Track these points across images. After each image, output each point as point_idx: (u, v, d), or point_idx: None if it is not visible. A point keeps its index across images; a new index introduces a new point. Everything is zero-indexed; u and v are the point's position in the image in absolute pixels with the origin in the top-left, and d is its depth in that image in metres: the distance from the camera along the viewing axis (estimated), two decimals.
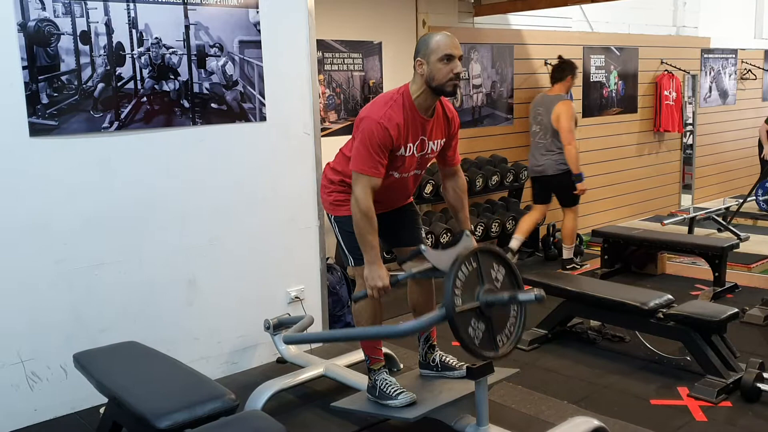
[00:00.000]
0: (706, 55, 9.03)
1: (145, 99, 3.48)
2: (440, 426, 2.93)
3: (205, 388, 2.54)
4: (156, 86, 3.50)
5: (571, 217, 5.87)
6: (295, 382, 3.46)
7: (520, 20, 6.81)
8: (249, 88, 3.82)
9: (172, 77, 3.55)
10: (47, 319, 3.31)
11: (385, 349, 3.26)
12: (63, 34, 3.20)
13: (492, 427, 2.81)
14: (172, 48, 3.53)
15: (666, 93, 8.26)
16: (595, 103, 7.52)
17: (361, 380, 3.26)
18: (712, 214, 7.18)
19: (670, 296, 3.93)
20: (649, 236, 5.70)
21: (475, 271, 2.63)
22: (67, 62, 3.23)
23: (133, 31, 3.40)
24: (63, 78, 3.22)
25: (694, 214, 7.32)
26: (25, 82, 3.12)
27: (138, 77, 3.44)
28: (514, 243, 5.87)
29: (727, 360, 3.61)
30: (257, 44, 3.81)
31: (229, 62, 3.72)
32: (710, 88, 9.22)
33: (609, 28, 7.80)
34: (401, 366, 3.81)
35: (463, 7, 6.34)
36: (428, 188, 5.53)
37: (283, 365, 3.89)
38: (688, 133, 9.22)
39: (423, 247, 2.78)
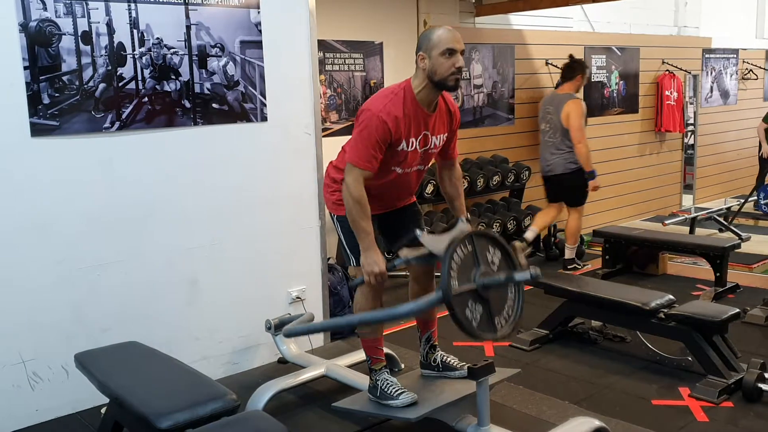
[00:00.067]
0: (707, 55, 9.02)
1: (146, 99, 3.48)
2: (441, 426, 2.92)
3: (207, 389, 2.54)
4: (157, 86, 3.50)
5: (575, 217, 5.87)
6: (297, 382, 3.46)
7: (521, 20, 6.81)
8: (250, 88, 3.82)
9: (174, 77, 3.55)
10: (48, 320, 3.31)
11: (386, 350, 3.26)
12: (64, 34, 3.20)
13: (493, 427, 2.81)
14: (174, 48, 3.53)
15: (667, 93, 8.25)
16: (596, 103, 7.51)
17: (362, 380, 3.26)
18: (714, 215, 7.17)
19: (671, 296, 3.93)
20: (651, 236, 5.70)
21: (471, 255, 2.63)
22: (69, 62, 3.23)
23: (135, 31, 3.40)
24: (64, 78, 3.22)
25: (696, 215, 7.31)
26: (26, 83, 3.12)
27: (139, 77, 3.44)
28: (530, 234, 5.92)
29: (729, 360, 3.61)
30: (258, 44, 3.81)
31: (231, 62, 3.72)
32: (711, 88, 9.21)
33: (610, 28, 7.80)
34: (402, 366, 3.81)
35: (465, 7, 6.34)
36: (429, 188, 5.54)
37: (284, 365, 3.89)
38: (689, 133, 9.22)
39: (419, 231, 2.79)
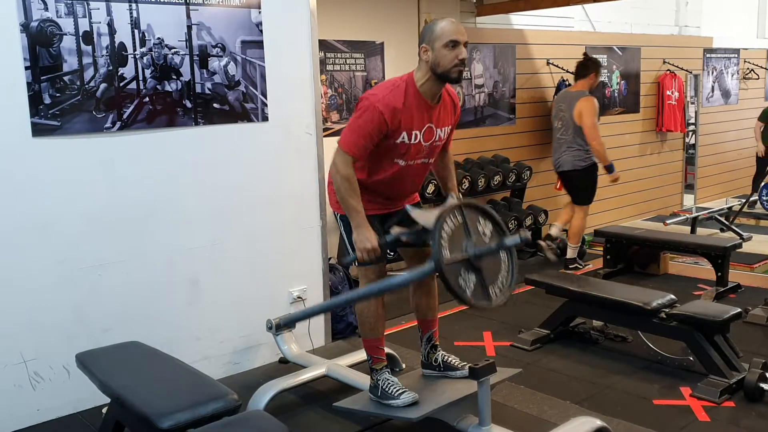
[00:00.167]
0: (708, 55, 9.02)
1: (147, 99, 3.48)
2: (443, 426, 2.92)
3: (208, 388, 2.54)
4: (158, 86, 3.51)
5: (580, 216, 5.87)
6: (298, 382, 3.46)
7: (522, 20, 6.81)
8: (251, 88, 3.82)
9: (175, 77, 3.55)
10: (50, 319, 3.32)
11: (387, 349, 3.26)
12: (65, 34, 3.20)
13: (494, 427, 2.81)
14: (175, 48, 3.53)
15: (668, 93, 8.25)
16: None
17: (363, 380, 3.26)
18: (715, 214, 7.17)
19: (672, 296, 3.93)
20: (652, 236, 5.69)
21: (462, 226, 2.65)
22: (70, 62, 3.23)
23: (136, 31, 3.40)
24: (65, 78, 3.22)
25: (697, 214, 7.31)
26: (27, 83, 3.13)
27: (140, 77, 3.44)
28: (554, 230, 6.01)
29: (730, 360, 3.60)
30: (259, 44, 3.81)
31: (232, 62, 3.72)
32: (713, 87, 9.21)
33: (611, 27, 7.79)
34: (403, 366, 3.81)
35: (465, 6, 6.34)
36: (431, 188, 5.54)
37: (285, 365, 3.89)
38: (690, 133, 9.22)
39: (408, 207, 2.81)
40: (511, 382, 3.55)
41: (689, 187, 9.16)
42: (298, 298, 4.11)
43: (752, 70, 9.86)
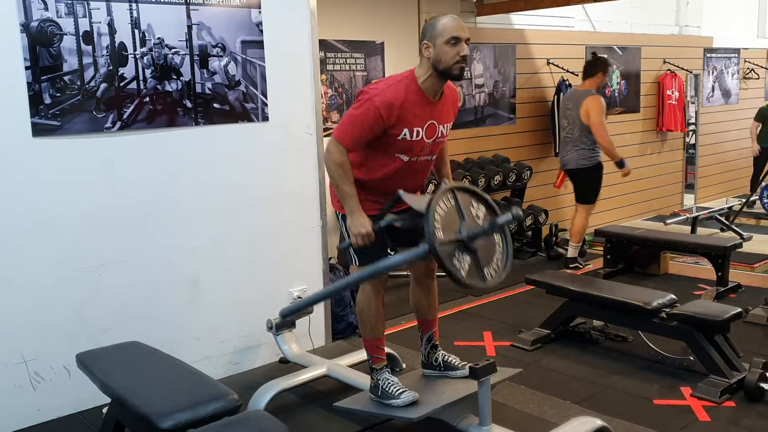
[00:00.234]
0: (708, 55, 9.02)
1: (147, 99, 3.48)
2: (443, 426, 2.92)
3: (208, 388, 2.54)
4: (158, 86, 3.51)
5: (582, 215, 5.87)
6: (298, 382, 3.46)
7: (522, 20, 6.81)
8: (251, 88, 3.82)
9: (175, 77, 3.55)
10: (50, 320, 3.31)
11: (387, 349, 3.26)
12: (66, 34, 3.20)
13: (495, 427, 2.81)
14: (175, 48, 3.53)
15: (669, 92, 8.25)
16: None
17: (363, 380, 3.26)
18: (715, 214, 7.17)
19: (673, 296, 3.92)
20: (652, 236, 5.69)
21: (455, 209, 2.66)
22: (70, 62, 3.23)
23: (136, 31, 3.40)
24: (66, 78, 3.22)
25: (697, 214, 7.32)
26: (27, 83, 3.12)
27: (141, 77, 3.44)
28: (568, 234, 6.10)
29: (731, 360, 3.60)
30: (260, 44, 3.81)
31: (232, 62, 3.72)
32: (713, 87, 9.21)
33: (611, 27, 7.79)
34: (404, 366, 3.81)
35: (466, 6, 6.34)
36: (431, 188, 5.53)
37: (285, 365, 3.89)
38: (690, 133, 9.22)
39: (401, 192, 2.81)
40: (511, 382, 3.55)
41: (689, 187, 9.16)
42: (299, 298, 4.10)
43: (752, 69, 9.86)
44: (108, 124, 3.37)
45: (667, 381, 3.68)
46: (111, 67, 3.35)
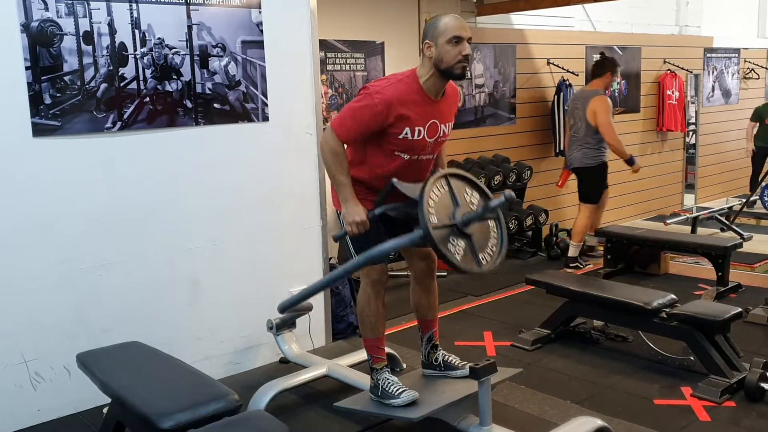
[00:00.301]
0: (709, 55, 9.01)
1: (147, 99, 3.48)
2: (443, 426, 2.92)
3: (209, 389, 2.54)
4: (159, 86, 3.50)
5: (585, 215, 5.87)
6: (298, 382, 3.46)
7: (522, 20, 6.80)
8: (251, 88, 3.82)
9: (175, 77, 3.55)
10: (50, 320, 3.31)
11: (387, 349, 3.26)
12: (66, 34, 3.20)
13: (495, 427, 2.81)
14: (175, 48, 3.53)
15: (669, 92, 8.25)
16: None
17: (363, 380, 3.26)
18: (715, 214, 7.17)
19: (673, 296, 3.92)
20: (652, 236, 5.69)
21: (449, 195, 2.68)
22: (70, 62, 3.23)
23: (136, 31, 3.40)
24: (66, 78, 3.22)
25: (697, 214, 7.31)
26: (28, 83, 3.12)
27: (141, 77, 3.44)
28: (592, 241, 6.12)
29: (731, 360, 3.60)
30: (260, 44, 3.81)
31: (232, 62, 3.72)
32: (713, 87, 9.20)
33: (611, 27, 7.79)
34: (404, 366, 3.81)
35: (466, 6, 6.34)
36: None
37: (285, 365, 3.89)
38: (690, 133, 9.21)
39: (395, 180, 2.82)
40: (511, 382, 3.55)
41: (690, 187, 9.15)
42: None
43: (753, 69, 9.85)
44: (108, 124, 3.37)
45: (667, 381, 3.68)
46: (111, 67, 3.35)
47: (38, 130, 3.18)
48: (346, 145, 2.90)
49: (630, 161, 5.83)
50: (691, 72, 8.66)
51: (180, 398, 2.44)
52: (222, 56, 3.68)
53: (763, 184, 7.85)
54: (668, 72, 8.27)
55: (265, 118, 3.89)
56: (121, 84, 3.39)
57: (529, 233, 6.60)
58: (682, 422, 3.23)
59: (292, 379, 3.45)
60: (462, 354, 3.35)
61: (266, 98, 3.87)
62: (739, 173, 9.62)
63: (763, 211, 7.93)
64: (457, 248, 2.61)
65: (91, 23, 3.26)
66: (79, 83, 3.26)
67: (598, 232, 5.97)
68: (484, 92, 6.51)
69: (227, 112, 3.75)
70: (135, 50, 3.41)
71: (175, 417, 2.31)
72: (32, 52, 3.12)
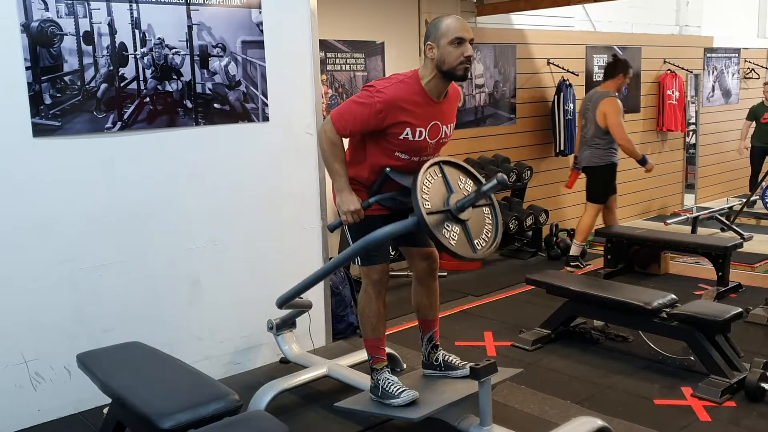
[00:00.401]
0: (709, 55, 9.01)
1: (148, 99, 3.48)
2: (444, 426, 2.92)
3: (209, 389, 2.54)
4: (159, 87, 3.50)
5: (590, 215, 5.87)
6: (299, 382, 3.46)
7: (522, 20, 6.80)
8: (252, 88, 3.82)
9: (175, 77, 3.55)
10: (51, 320, 3.31)
11: (388, 349, 3.25)
12: (66, 34, 3.20)
13: (495, 427, 2.81)
14: (175, 48, 3.53)
15: (669, 92, 8.25)
16: None
17: (364, 380, 3.26)
18: (716, 214, 7.17)
19: (673, 296, 3.92)
20: (652, 236, 5.69)
21: (443, 182, 2.73)
22: (70, 63, 3.23)
23: (136, 31, 3.40)
24: (66, 78, 3.22)
25: (697, 214, 7.32)
26: (28, 83, 3.12)
27: (141, 78, 3.44)
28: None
29: (731, 360, 3.60)
30: (260, 44, 3.81)
31: (232, 62, 3.72)
32: (713, 87, 9.20)
33: (612, 27, 7.79)
34: (404, 366, 3.81)
35: (466, 6, 6.34)
36: None
37: (286, 365, 3.89)
38: (691, 133, 9.21)
39: (388, 168, 2.88)
40: (512, 382, 3.55)
41: (690, 187, 9.15)
42: (299, 298, 4.09)
43: (753, 69, 9.85)
44: (108, 125, 3.37)
45: (667, 381, 3.68)
46: (111, 68, 3.35)
47: (38, 130, 3.18)
48: (346, 142, 2.92)
49: (642, 161, 5.82)
50: (691, 72, 8.66)
51: (180, 398, 2.44)
52: (222, 56, 3.68)
53: (764, 184, 7.85)
54: (668, 72, 8.27)
55: (265, 118, 3.89)
56: (122, 84, 3.39)
57: (530, 233, 6.60)
58: (683, 422, 3.23)
59: (292, 380, 3.45)
60: (462, 354, 3.35)
61: (266, 98, 3.87)
62: (739, 173, 9.61)
63: (764, 211, 7.94)
64: (452, 234, 2.66)
65: (91, 23, 3.26)
66: (79, 83, 3.26)
67: (598, 232, 5.97)
68: (484, 92, 6.51)
69: (227, 112, 3.75)
70: (135, 50, 3.41)
71: (176, 417, 2.31)
72: (32, 52, 3.12)
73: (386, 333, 3.17)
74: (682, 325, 3.70)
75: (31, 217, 3.22)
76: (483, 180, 2.87)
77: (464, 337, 4.39)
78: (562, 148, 6.99)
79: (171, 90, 3.55)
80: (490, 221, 2.85)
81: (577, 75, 7.15)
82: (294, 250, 4.10)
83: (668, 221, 7.08)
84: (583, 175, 6.02)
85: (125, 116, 3.42)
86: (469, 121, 6.38)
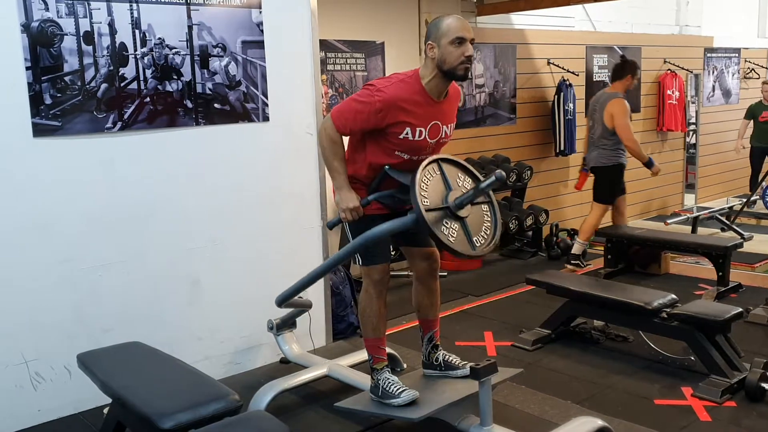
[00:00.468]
0: (709, 55, 9.01)
1: (148, 99, 3.48)
2: (444, 426, 2.92)
3: (209, 389, 2.54)
4: (159, 86, 3.50)
5: (596, 215, 5.87)
6: (299, 382, 3.46)
7: (522, 20, 6.80)
8: (252, 88, 3.82)
9: (175, 77, 3.55)
10: (51, 320, 3.31)
11: (388, 349, 3.25)
12: (66, 34, 3.20)
13: (496, 427, 2.81)
14: (175, 48, 3.53)
15: (669, 92, 8.25)
16: None
17: (364, 380, 3.26)
18: (716, 214, 7.17)
19: (673, 296, 3.92)
20: (653, 236, 5.69)
21: (441, 179, 2.74)
22: (71, 63, 3.23)
23: (136, 31, 3.40)
24: (66, 78, 3.22)
25: (698, 214, 7.32)
26: (28, 83, 3.12)
27: (141, 78, 3.44)
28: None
29: (731, 360, 3.60)
30: (260, 44, 3.80)
31: (232, 62, 3.72)
32: (713, 87, 9.20)
33: (612, 27, 7.79)
34: (404, 366, 3.81)
35: (466, 6, 6.34)
36: None
37: (286, 365, 3.89)
38: (691, 133, 9.21)
39: (387, 166, 2.89)
40: (512, 382, 3.55)
41: (690, 187, 9.15)
42: (299, 297, 4.09)
43: (753, 69, 9.85)
44: (108, 125, 3.37)
45: (667, 381, 3.67)
46: (111, 68, 3.35)
47: (38, 131, 3.18)
48: (346, 140, 2.92)
49: (648, 164, 5.81)
50: (692, 72, 8.65)
51: (180, 398, 2.44)
52: (222, 56, 3.68)
53: (764, 184, 7.85)
54: (668, 72, 8.27)
55: (266, 118, 3.89)
56: (122, 84, 3.39)
57: (530, 233, 6.59)
58: (683, 422, 3.23)
59: (292, 380, 3.45)
60: (462, 354, 3.35)
61: (266, 98, 3.87)
62: (740, 173, 9.61)
63: (764, 210, 7.94)
64: (451, 231, 2.66)
65: (91, 23, 3.26)
66: (79, 83, 3.26)
67: (598, 232, 5.97)
68: (485, 92, 6.51)
69: (227, 112, 3.75)
70: (135, 50, 3.41)
71: (176, 417, 2.31)
72: (32, 53, 3.12)
73: (387, 333, 3.17)
74: (683, 325, 3.70)
75: (31, 217, 3.22)
76: (481, 178, 2.87)
77: (464, 337, 4.39)
78: (562, 148, 6.99)
79: (171, 90, 3.55)
80: (489, 219, 2.86)
81: (577, 75, 7.15)
82: (294, 250, 4.10)
83: (668, 221, 7.08)
84: (592, 175, 6.02)
85: (125, 116, 3.42)
86: (469, 121, 6.38)
